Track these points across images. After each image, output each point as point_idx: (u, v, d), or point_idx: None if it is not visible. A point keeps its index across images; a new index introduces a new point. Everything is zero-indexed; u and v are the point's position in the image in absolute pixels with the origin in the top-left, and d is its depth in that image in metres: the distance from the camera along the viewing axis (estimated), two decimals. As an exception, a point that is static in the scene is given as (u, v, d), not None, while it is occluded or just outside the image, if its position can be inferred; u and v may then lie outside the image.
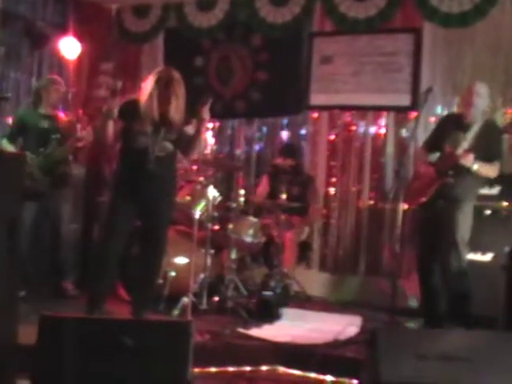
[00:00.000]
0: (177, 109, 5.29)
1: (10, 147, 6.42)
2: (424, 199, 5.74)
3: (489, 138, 5.59)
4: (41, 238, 6.73)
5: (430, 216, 5.78)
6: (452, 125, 5.81)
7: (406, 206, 5.93)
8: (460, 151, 5.51)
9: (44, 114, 6.61)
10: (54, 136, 6.49)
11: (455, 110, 6.48)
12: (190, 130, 5.49)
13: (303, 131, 8.00)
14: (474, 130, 5.60)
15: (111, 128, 5.30)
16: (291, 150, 7.58)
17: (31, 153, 6.30)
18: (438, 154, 5.81)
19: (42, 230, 6.69)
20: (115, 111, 5.23)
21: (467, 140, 5.58)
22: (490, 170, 5.59)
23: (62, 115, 6.76)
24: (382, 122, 7.50)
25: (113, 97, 5.28)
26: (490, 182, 6.14)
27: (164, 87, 5.24)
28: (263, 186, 7.63)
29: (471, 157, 5.42)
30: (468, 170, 5.49)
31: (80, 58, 8.07)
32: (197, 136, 5.48)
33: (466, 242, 5.66)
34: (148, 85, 5.29)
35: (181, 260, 6.45)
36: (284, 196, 6.86)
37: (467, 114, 5.71)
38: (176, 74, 5.32)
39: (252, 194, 7.69)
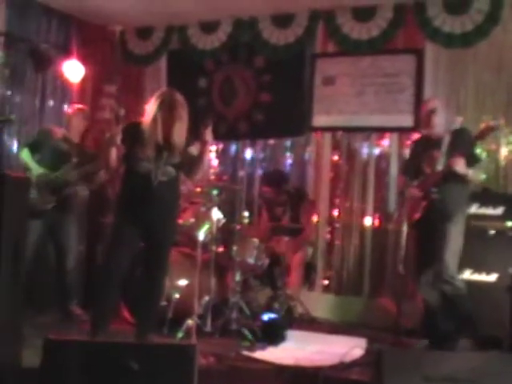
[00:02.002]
0: (180, 132, 5.28)
1: (28, 159, 6.52)
2: (415, 217, 5.82)
3: (463, 146, 5.58)
4: (46, 262, 6.74)
5: (424, 232, 5.84)
6: (424, 146, 5.90)
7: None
8: (440, 167, 5.59)
9: (67, 138, 6.69)
10: (69, 159, 6.52)
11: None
12: (193, 151, 5.48)
13: (306, 153, 7.97)
14: (445, 143, 5.66)
15: (114, 154, 5.32)
16: (274, 178, 7.54)
17: (45, 169, 6.36)
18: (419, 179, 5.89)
19: (48, 252, 6.72)
20: (118, 138, 5.24)
21: (442, 155, 5.64)
22: (478, 174, 5.79)
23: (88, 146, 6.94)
24: (386, 142, 7.50)
25: (115, 124, 5.30)
26: (494, 203, 6.17)
27: (168, 110, 5.24)
28: (263, 215, 7.60)
29: (462, 162, 5.47)
30: (456, 181, 5.57)
31: (83, 80, 8.09)
32: (200, 158, 5.47)
33: (458, 253, 5.71)
34: (151, 108, 5.29)
35: (185, 282, 6.43)
36: (286, 218, 6.93)
37: (431, 133, 5.86)
38: (179, 96, 5.32)
39: (255, 226, 7.62)
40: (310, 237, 7.44)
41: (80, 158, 6.57)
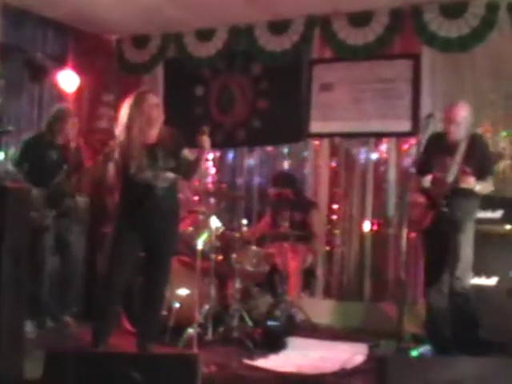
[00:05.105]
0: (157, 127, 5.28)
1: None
2: (424, 226, 5.77)
3: (478, 155, 5.54)
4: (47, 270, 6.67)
5: (434, 241, 5.78)
6: (438, 146, 5.81)
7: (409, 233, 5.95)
8: (451, 178, 5.53)
9: (54, 144, 6.54)
10: (62, 167, 6.44)
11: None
12: (188, 154, 5.40)
13: (304, 159, 7.96)
14: (460, 151, 5.59)
15: (112, 169, 5.31)
16: (283, 179, 7.52)
17: (38, 182, 6.26)
18: (429, 178, 5.82)
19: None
20: (115, 153, 5.22)
21: (455, 162, 5.59)
22: (487, 187, 5.60)
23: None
24: (384, 147, 7.49)
25: (112, 138, 5.27)
26: (493, 206, 6.15)
27: (138, 111, 5.20)
28: (265, 219, 7.58)
29: (472, 179, 5.42)
30: (465, 194, 5.51)
31: (80, 89, 8.07)
32: (197, 161, 5.39)
33: (471, 262, 5.66)
34: (122, 115, 5.26)
35: (185, 291, 6.40)
36: (286, 224, 6.88)
37: (450, 133, 5.70)
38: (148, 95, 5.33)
39: (253, 227, 7.62)
40: (319, 246, 7.44)
41: (69, 163, 6.49)
